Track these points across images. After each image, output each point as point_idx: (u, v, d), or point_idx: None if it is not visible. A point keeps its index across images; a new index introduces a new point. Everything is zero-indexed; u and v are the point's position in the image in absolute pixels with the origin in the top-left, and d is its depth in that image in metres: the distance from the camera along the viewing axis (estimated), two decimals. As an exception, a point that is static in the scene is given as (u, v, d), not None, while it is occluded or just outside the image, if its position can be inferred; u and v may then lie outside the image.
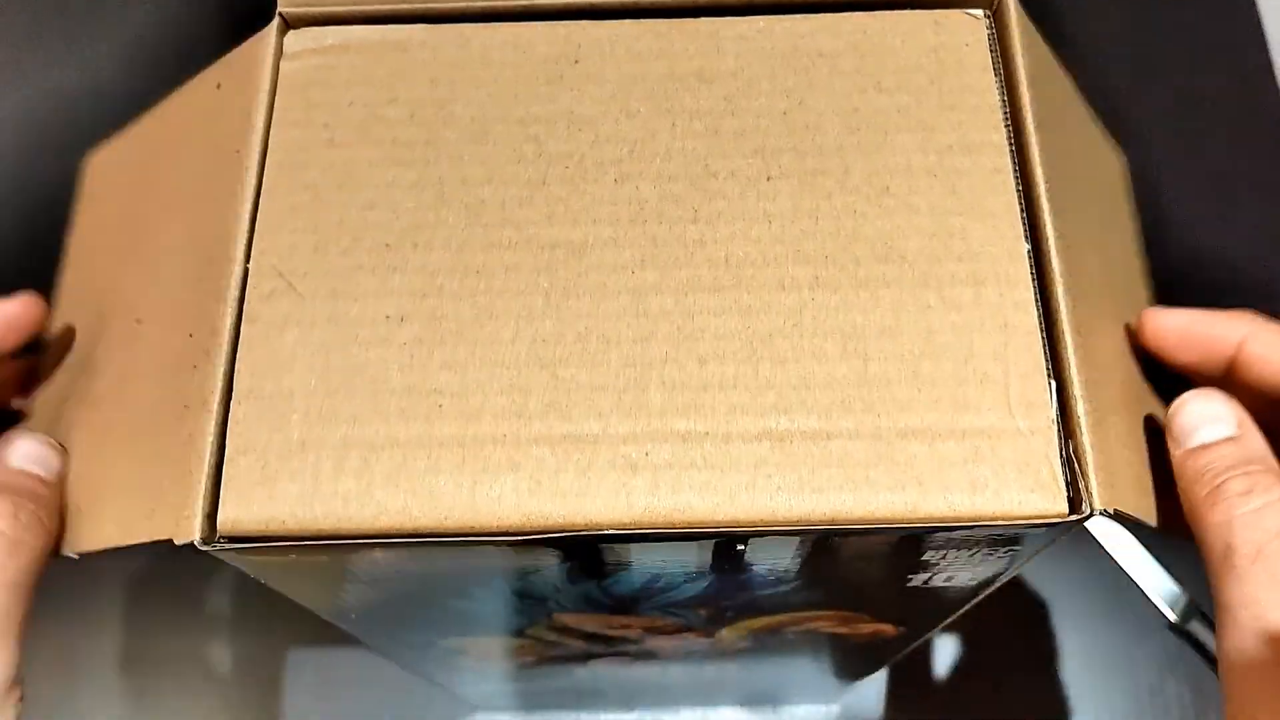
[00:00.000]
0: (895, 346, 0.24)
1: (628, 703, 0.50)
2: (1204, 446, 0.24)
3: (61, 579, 0.54)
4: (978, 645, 0.52)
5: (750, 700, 0.49)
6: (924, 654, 0.37)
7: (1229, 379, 0.26)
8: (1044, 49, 0.28)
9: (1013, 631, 0.51)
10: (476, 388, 0.24)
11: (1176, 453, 0.25)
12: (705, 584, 0.27)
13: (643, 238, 0.25)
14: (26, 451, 0.26)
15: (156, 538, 0.23)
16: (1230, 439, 0.24)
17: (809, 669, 0.42)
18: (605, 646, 0.36)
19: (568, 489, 0.23)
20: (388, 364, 0.24)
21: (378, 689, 0.53)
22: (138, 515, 0.24)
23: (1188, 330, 0.26)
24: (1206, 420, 0.24)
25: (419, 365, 0.24)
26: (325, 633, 0.54)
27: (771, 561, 0.25)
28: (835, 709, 0.51)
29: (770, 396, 0.23)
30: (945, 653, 0.51)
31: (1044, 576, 0.51)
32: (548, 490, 0.23)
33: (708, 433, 0.23)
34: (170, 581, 0.57)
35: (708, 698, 0.49)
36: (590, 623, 0.32)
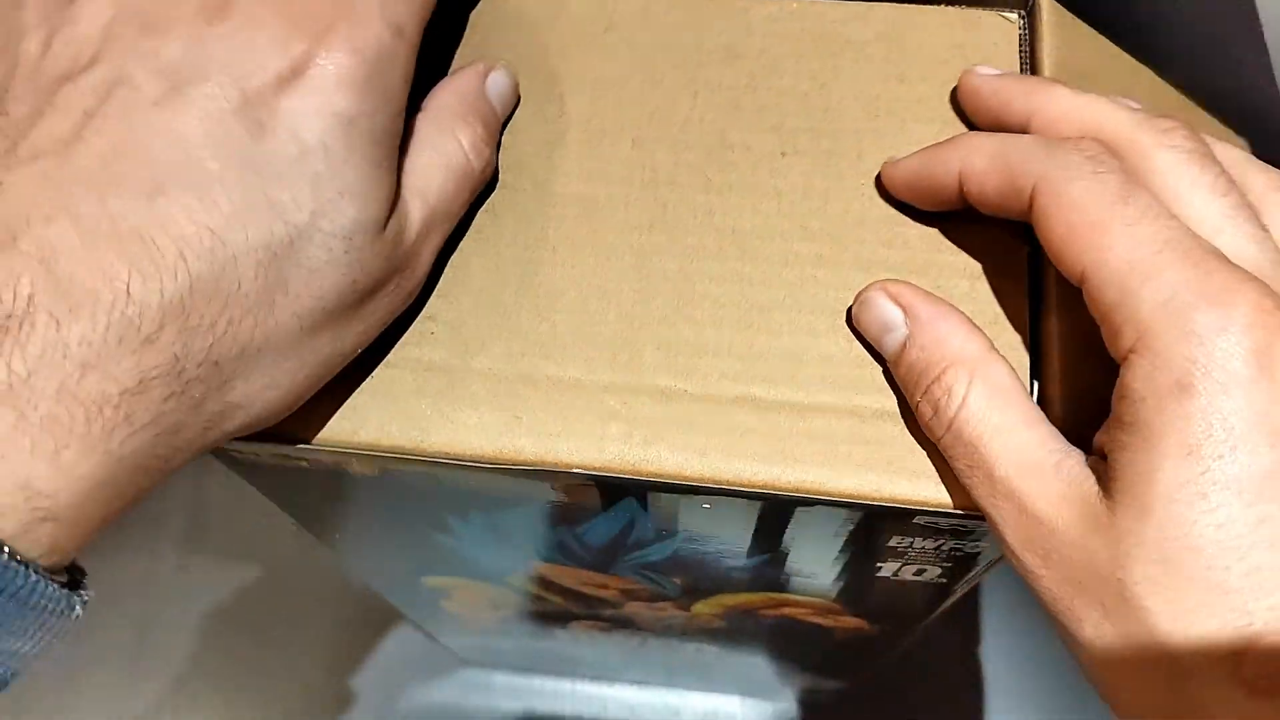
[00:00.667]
0: None
1: (611, 675, 0.51)
2: (895, 362, 0.23)
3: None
4: (971, 645, 0.51)
5: (739, 689, 0.49)
6: (914, 652, 0.37)
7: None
8: (1091, 54, 0.27)
9: (1008, 632, 0.51)
10: (472, 324, 0.24)
11: (890, 365, 0.23)
12: (675, 543, 0.28)
13: (653, 201, 0.25)
14: (501, 87, 0.25)
15: None
16: (904, 344, 0.22)
17: (790, 662, 0.42)
18: (585, 607, 0.36)
19: (544, 428, 0.23)
20: None
21: (370, 643, 0.55)
22: None
23: (914, 183, 0.24)
24: (880, 330, 0.23)
25: (419, 296, 0.24)
26: (315, 591, 0.56)
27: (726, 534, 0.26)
28: (820, 707, 0.50)
29: (757, 366, 0.24)
30: (941, 650, 0.50)
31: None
32: (525, 426, 0.23)
33: (689, 392, 0.24)
34: (168, 582, 0.58)
35: (692, 680, 0.49)
36: (568, 577, 0.33)
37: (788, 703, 0.51)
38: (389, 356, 0.24)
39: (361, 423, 0.24)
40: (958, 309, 0.23)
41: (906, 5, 0.27)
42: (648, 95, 0.27)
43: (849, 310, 0.24)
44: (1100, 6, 0.28)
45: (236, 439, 0.24)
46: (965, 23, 0.27)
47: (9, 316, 0.17)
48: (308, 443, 0.24)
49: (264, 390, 0.20)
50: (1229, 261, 0.19)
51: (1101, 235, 0.20)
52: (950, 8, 0.27)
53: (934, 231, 0.25)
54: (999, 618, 0.52)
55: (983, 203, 0.23)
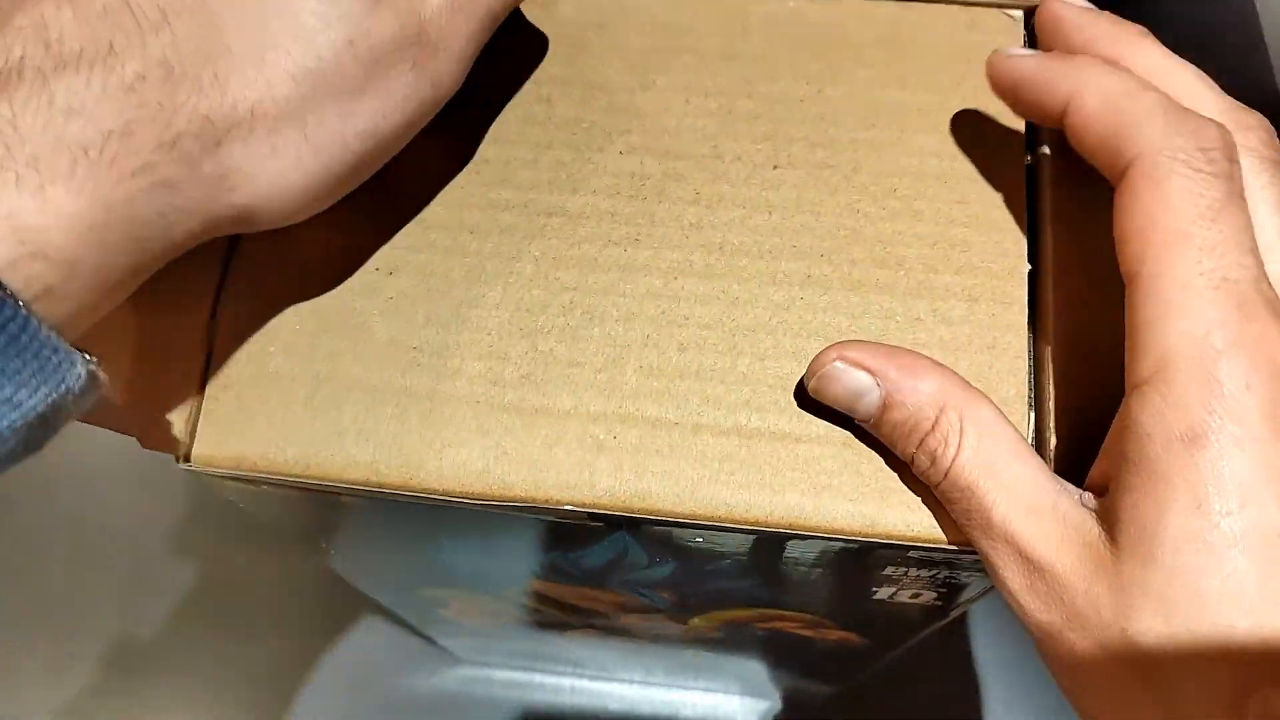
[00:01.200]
0: None
1: (610, 674, 0.51)
2: (875, 424, 0.22)
3: (59, 581, 0.57)
4: (969, 645, 0.51)
5: (738, 688, 0.50)
6: (912, 652, 0.37)
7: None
8: None
9: (1006, 632, 0.51)
10: (456, 348, 0.24)
11: (865, 425, 0.22)
12: (669, 569, 0.27)
13: (640, 214, 0.25)
14: None
15: (133, 435, 0.23)
16: (885, 405, 0.21)
17: (785, 669, 0.42)
18: (581, 618, 0.36)
19: (533, 461, 0.23)
20: (371, 314, 0.24)
21: (366, 642, 0.55)
22: (130, 400, 0.25)
23: (1017, 88, 0.22)
24: (851, 399, 0.22)
25: (403, 319, 0.24)
26: (315, 600, 0.56)
27: (725, 550, 0.25)
28: (818, 706, 0.51)
29: (745, 392, 0.23)
30: (935, 651, 0.50)
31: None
32: (513, 460, 0.23)
33: (677, 422, 0.23)
34: (164, 580, 0.58)
35: (691, 679, 0.50)
36: (564, 593, 0.32)
37: (786, 701, 0.51)
38: (375, 383, 0.23)
39: (350, 459, 0.23)
40: (920, 354, 0.22)
41: (910, 4, 0.26)
42: (638, 100, 0.26)
43: (808, 375, 0.23)
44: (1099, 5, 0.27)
45: (231, 475, 0.23)
46: (970, 23, 0.26)
47: None
48: (295, 475, 0.23)
49: (267, 159, 0.19)
50: (1275, 313, 0.18)
51: (1173, 248, 0.19)
52: (954, 7, 0.26)
53: (930, 253, 0.24)
54: (997, 616, 0.52)
55: (1078, 143, 0.21)
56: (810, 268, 0.24)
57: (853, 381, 0.22)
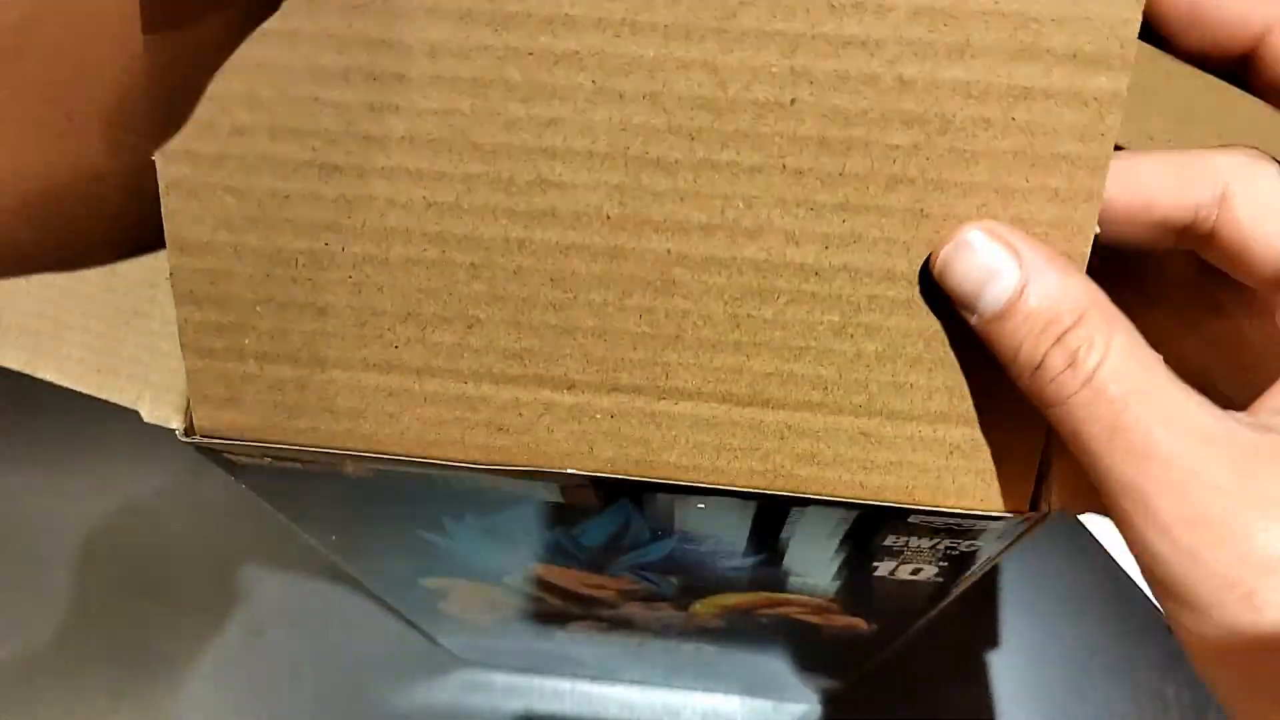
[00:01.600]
0: (896, 337, 0.23)
1: (610, 675, 0.51)
2: (1002, 315, 0.19)
3: (54, 577, 0.57)
4: (973, 645, 0.51)
5: (739, 689, 0.49)
6: (916, 653, 0.37)
7: (1243, 71, 0.20)
8: None
9: (1010, 632, 0.51)
10: (448, 339, 0.23)
11: (973, 322, 0.20)
12: (670, 545, 0.28)
13: (625, 175, 0.21)
14: None
15: (128, 405, 0.23)
16: (1022, 290, 0.19)
17: (788, 661, 0.42)
18: (583, 608, 0.36)
19: (533, 431, 0.23)
20: (340, 301, 0.23)
21: (365, 644, 0.55)
22: (106, 368, 0.24)
23: (1199, 4, 0.20)
24: (984, 277, 0.19)
25: (367, 296, 0.22)
26: (312, 589, 0.56)
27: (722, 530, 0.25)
28: (820, 706, 0.50)
29: (753, 368, 0.23)
30: (939, 652, 0.50)
31: (1042, 577, 0.50)
32: (514, 431, 0.23)
33: (678, 394, 0.23)
34: (160, 581, 0.58)
35: (692, 680, 0.49)
36: (565, 578, 0.32)
37: (788, 702, 0.51)
38: (358, 359, 0.23)
39: (349, 435, 0.23)
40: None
41: None
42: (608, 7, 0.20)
43: (933, 255, 0.20)
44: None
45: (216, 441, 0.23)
46: None
47: None
48: (298, 444, 0.23)
49: None
50: None
51: None
52: None
53: (976, 213, 0.20)
54: (1005, 619, 0.52)
55: (1265, 75, 0.19)
56: (811, 247, 0.22)
57: (990, 257, 0.19)
